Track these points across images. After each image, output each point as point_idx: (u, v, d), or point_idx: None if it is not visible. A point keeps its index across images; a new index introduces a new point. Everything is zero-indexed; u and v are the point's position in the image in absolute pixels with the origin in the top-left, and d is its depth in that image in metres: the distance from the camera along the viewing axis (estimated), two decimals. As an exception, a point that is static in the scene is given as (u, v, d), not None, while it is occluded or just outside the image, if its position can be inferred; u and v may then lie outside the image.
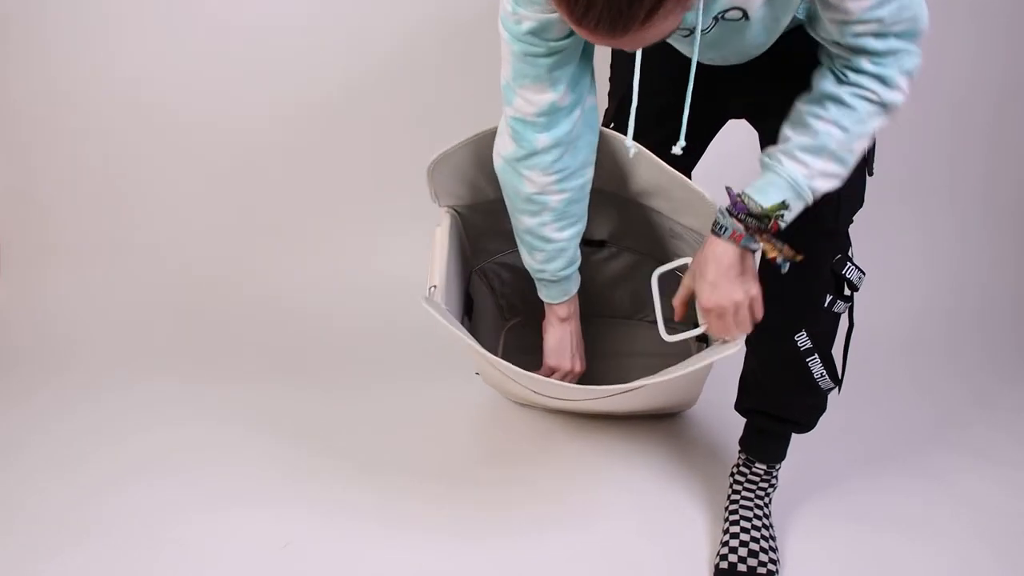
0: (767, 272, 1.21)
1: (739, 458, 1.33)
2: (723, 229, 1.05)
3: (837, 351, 1.22)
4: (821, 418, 1.28)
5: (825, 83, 0.99)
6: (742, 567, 1.21)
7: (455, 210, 1.36)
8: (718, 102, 1.23)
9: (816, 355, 1.18)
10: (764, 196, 1.02)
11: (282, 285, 2.04)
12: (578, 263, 1.30)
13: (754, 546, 1.23)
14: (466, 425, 1.61)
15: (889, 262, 1.98)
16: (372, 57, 2.00)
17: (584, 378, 1.42)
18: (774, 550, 1.25)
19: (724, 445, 1.51)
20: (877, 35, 0.93)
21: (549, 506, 1.38)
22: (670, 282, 1.30)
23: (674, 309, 1.18)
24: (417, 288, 1.90)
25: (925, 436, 1.56)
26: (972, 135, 2.11)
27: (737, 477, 1.32)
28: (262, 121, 2.04)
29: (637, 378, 1.23)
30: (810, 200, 1.02)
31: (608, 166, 1.26)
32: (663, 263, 1.29)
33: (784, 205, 1.02)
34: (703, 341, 1.44)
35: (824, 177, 1.01)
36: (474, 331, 1.46)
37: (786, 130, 1.03)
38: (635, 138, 1.12)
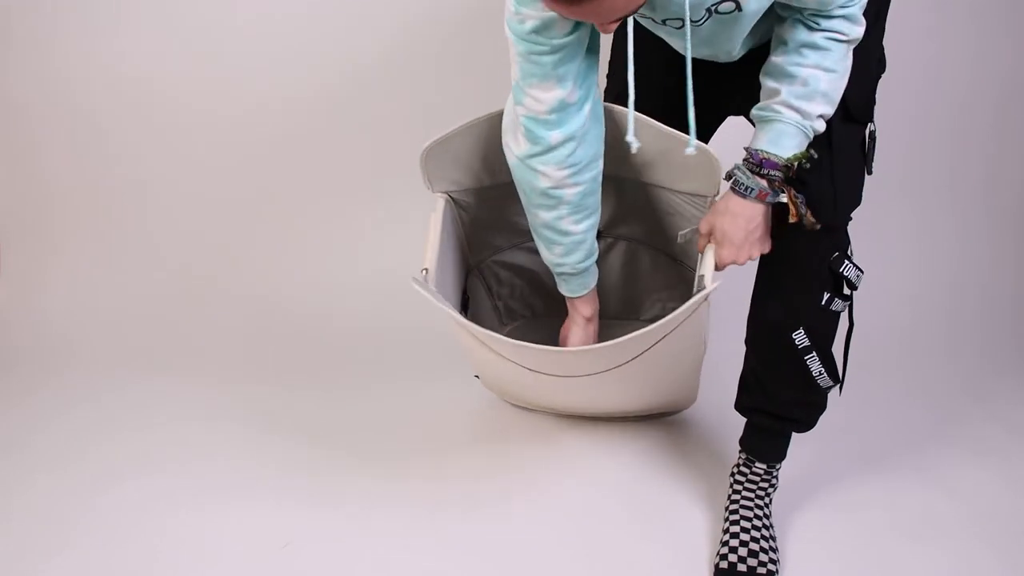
0: (765, 271, 1.22)
1: (739, 458, 1.33)
2: (748, 190, 1.08)
3: (837, 351, 1.22)
4: (821, 418, 1.27)
5: (798, 33, 1.03)
6: (742, 567, 1.21)
7: (451, 197, 1.36)
8: (716, 100, 1.24)
9: (815, 353, 1.18)
10: (779, 147, 1.06)
11: (282, 285, 2.04)
12: (595, 255, 1.31)
13: (754, 546, 1.23)
14: (466, 426, 1.60)
15: (889, 262, 1.98)
16: (370, 54, 2.00)
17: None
18: (774, 550, 1.25)
19: (724, 445, 1.51)
20: None
21: (549, 506, 1.38)
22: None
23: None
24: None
25: (925, 436, 1.56)
26: (972, 135, 2.10)
27: (737, 477, 1.32)
28: (261, 120, 2.05)
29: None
30: (811, 137, 1.08)
31: (608, 144, 1.26)
32: (657, 249, 1.28)
33: (808, 152, 1.07)
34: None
35: (820, 119, 1.06)
36: None
37: (771, 83, 1.07)
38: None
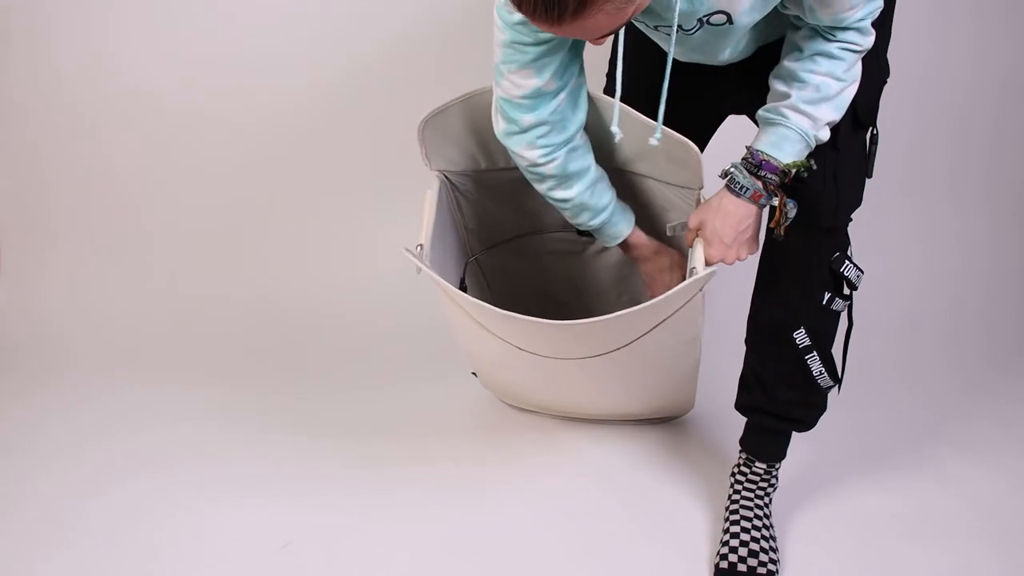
0: (765, 270, 1.22)
1: (739, 458, 1.33)
2: (744, 189, 1.09)
3: (837, 350, 1.22)
4: (821, 418, 1.27)
5: (814, 42, 1.05)
6: (742, 567, 1.21)
7: (448, 180, 1.37)
8: (716, 99, 1.25)
9: (815, 353, 1.18)
10: (780, 152, 1.07)
11: (282, 285, 2.04)
12: (608, 210, 1.28)
13: (754, 546, 1.23)
14: (465, 426, 1.60)
15: (889, 262, 1.98)
16: (369, 55, 2.00)
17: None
18: (774, 550, 1.25)
19: (724, 445, 1.51)
20: (857, 7, 1.01)
21: (549, 506, 1.38)
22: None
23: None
24: (416, 288, 1.91)
25: (926, 436, 1.56)
26: (972, 135, 2.10)
27: (737, 477, 1.32)
28: (262, 121, 2.04)
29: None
30: (812, 147, 1.09)
31: (596, 136, 1.27)
32: None
33: (808, 163, 1.08)
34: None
35: (826, 127, 1.07)
36: None
37: (781, 87, 1.07)
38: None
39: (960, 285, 2.01)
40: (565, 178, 1.23)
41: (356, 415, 1.63)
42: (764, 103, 1.11)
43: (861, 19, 1.02)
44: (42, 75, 2.00)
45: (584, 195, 1.25)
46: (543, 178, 1.23)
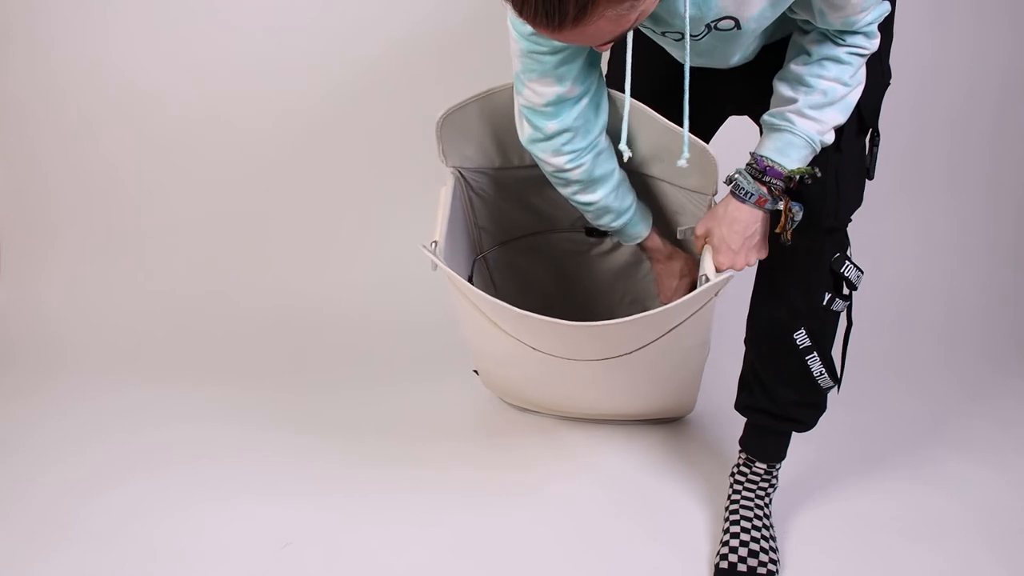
0: (765, 271, 1.22)
1: (739, 458, 1.33)
2: (748, 195, 1.09)
3: (836, 351, 1.22)
4: (821, 418, 1.27)
5: (822, 47, 1.04)
6: (742, 567, 1.21)
7: (463, 176, 1.37)
8: (718, 100, 1.25)
9: (815, 353, 1.18)
10: (785, 158, 1.07)
11: (282, 286, 2.04)
12: (630, 212, 1.30)
13: (754, 546, 1.23)
14: (466, 425, 1.60)
15: (889, 261, 1.98)
16: (373, 58, 2.00)
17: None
18: (774, 550, 1.25)
19: (724, 445, 1.51)
20: (868, 10, 1.01)
21: (549, 506, 1.38)
22: None
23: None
24: (417, 287, 1.90)
25: (925, 436, 1.56)
26: (972, 135, 2.10)
27: (737, 477, 1.32)
28: (261, 120, 2.04)
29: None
30: (818, 151, 1.09)
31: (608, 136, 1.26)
32: None
33: (812, 169, 1.07)
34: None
35: (832, 131, 1.07)
36: None
37: (787, 92, 1.07)
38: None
39: (959, 285, 2.01)
40: (591, 183, 1.23)
41: (357, 415, 1.63)
42: (766, 104, 1.11)
43: (870, 23, 1.02)
44: (42, 75, 2.00)
45: (608, 198, 1.26)
46: (568, 183, 1.24)
